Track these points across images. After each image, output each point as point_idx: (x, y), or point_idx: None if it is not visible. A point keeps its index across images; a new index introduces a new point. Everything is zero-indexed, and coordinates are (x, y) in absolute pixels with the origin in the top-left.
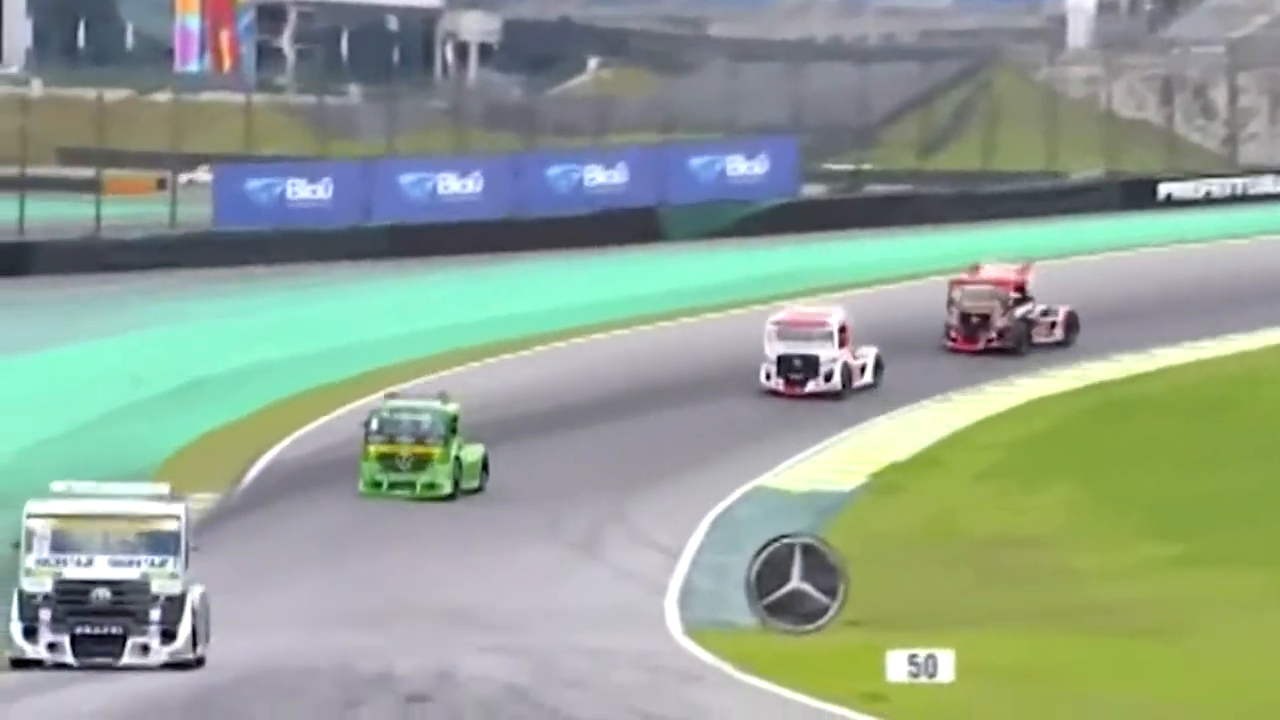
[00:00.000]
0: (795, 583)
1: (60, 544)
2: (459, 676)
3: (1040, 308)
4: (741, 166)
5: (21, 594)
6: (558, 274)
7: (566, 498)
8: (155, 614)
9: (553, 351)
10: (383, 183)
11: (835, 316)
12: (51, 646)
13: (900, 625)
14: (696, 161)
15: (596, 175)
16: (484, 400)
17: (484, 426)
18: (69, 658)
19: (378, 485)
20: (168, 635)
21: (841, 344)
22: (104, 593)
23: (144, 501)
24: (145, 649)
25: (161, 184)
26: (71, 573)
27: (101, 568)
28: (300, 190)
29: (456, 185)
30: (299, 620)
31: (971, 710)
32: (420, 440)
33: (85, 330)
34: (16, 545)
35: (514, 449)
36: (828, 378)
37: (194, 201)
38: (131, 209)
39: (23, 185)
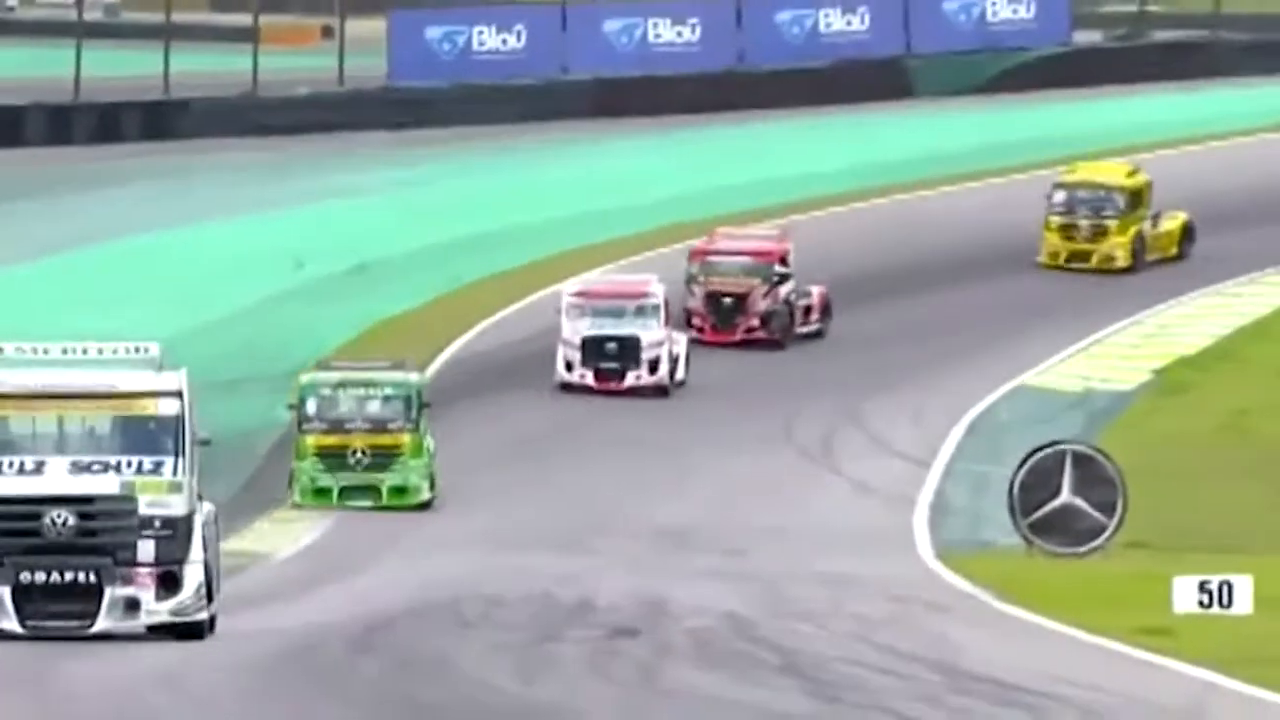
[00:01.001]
0: (1065, 497)
1: None
2: (671, 606)
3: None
4: (1004, 10)
5: None
6: (788, 136)
7: (799, 397)
8: (146, 548)
9: (785, 228)
10: (583, 30)
11: (659, 290)
12: None
13: (1189, 547)
14: (950, 5)
15: (834, 21)
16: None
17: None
18: (9, 622)
19: (322, 492)
20: (167, 582)
21: (667, 321)
22: (63, 516)
23: (122, 370)
24: (131, 605)
25: (327, 32)
26: (9, 486)
27: (57, 477)
28: (488, 40)
29: (670, 33)
30: (486, 541)
31: (1272, 647)
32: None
33: (240, 203)
34: None
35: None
36: (652, 367)
37: (365, 53)
38: (293, 61)
39: (169, 34)
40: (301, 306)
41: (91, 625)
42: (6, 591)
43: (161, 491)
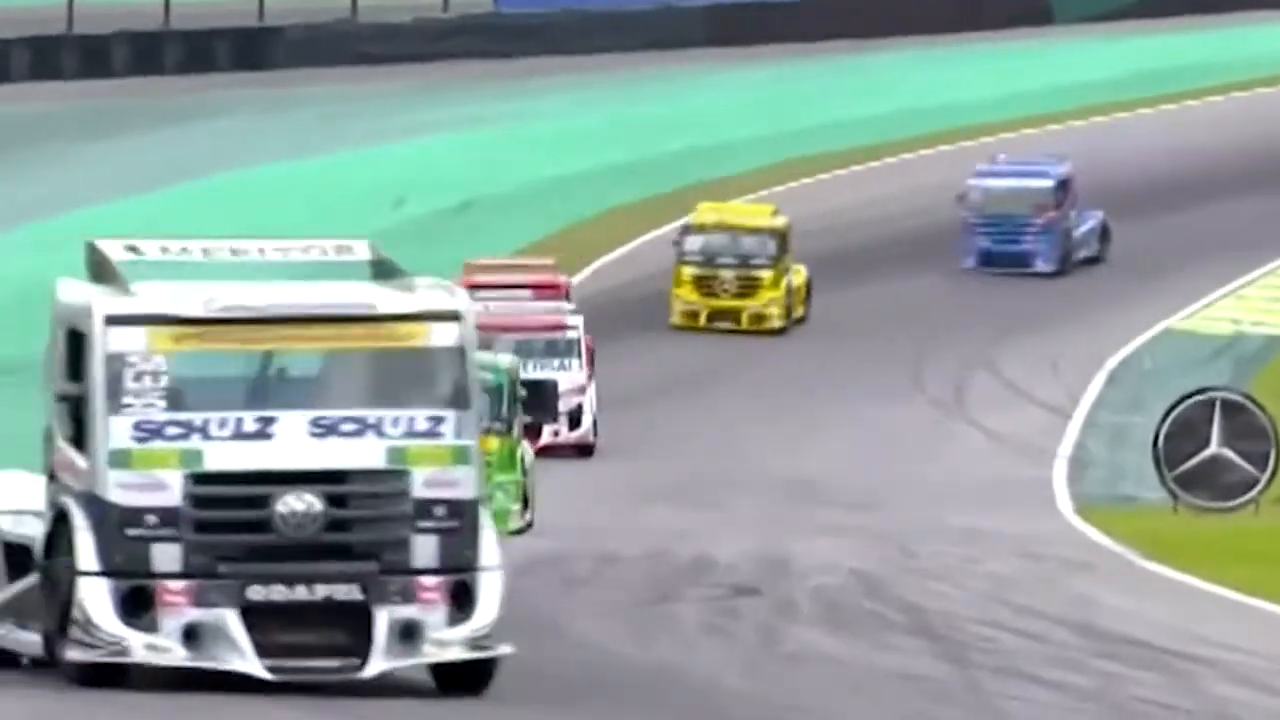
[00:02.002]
0: (1214, 448)
1: (185, 392)
2: (794, 564)
3: None
4: None
5: (104, 510)
6: (919, 66)
7: (929, 341)
8: (426, 547)
9: (915, 163)
10: None
11: (577, 322)
12: (189, 635)
13: None
14: None
15: None
16: (823, 222)
17: (820, 253)
18: (245, 661)
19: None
20: (460, 598)
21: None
22: (305, 502)
23: (379, 288)
24: (409, 632)
25: None
26: (223, 457)
27: (293, 443)
28: None
29: None
30: (600, 494)
31: None
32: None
33: (337, 138)
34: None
35: (863, 279)
36: (574, 422)
37: None
38: None
39: None
40: (402, 247)
41: (362, 667)
42: (233, 616)
43: (444, 462)
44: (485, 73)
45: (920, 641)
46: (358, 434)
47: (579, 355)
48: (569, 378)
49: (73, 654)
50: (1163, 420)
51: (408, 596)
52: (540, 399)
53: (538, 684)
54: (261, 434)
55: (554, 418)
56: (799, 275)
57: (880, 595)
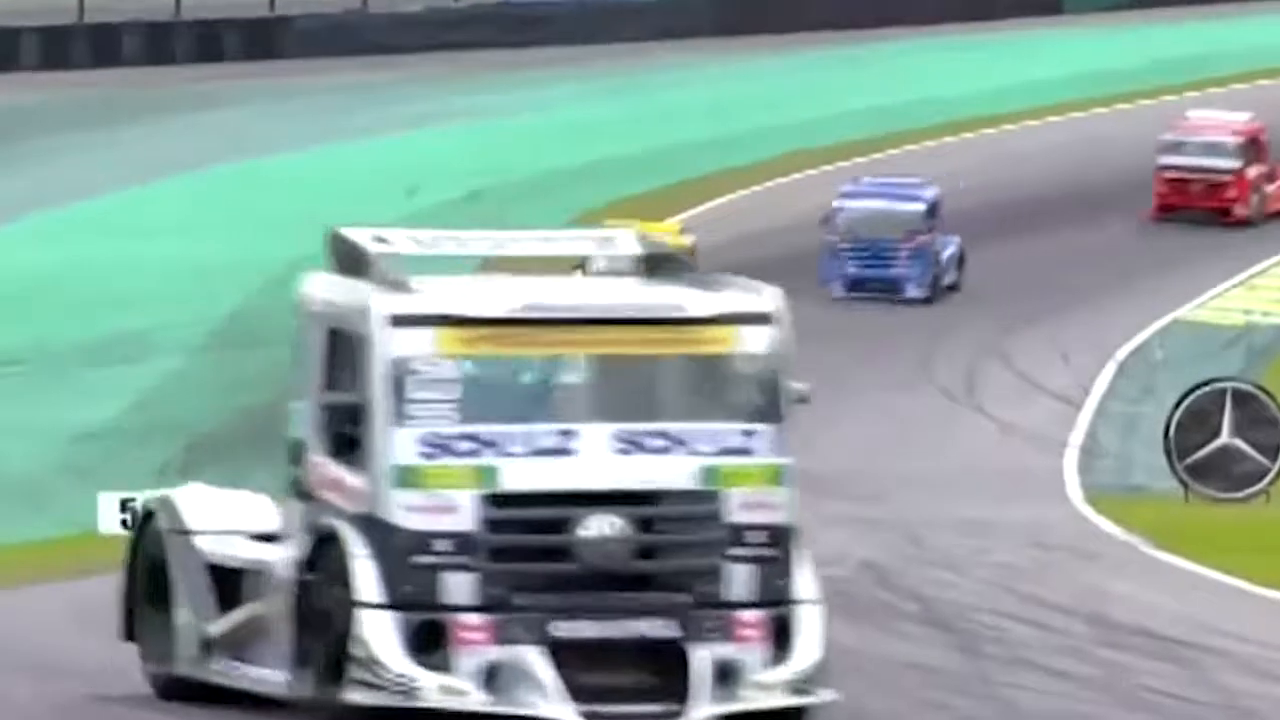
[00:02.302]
0: (1225, 438)
1: (476, 402)
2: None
3: None
4: None
5: (387, 535)
6: (929, 56)
7: (939, 332)
8: (741, 579)
9: (919, 154)
10: None
11: None
12: (490, 676)
13: None
14: None
15: None
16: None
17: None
18: (558, 707)
19: None
20: (780, 636)
21: None
22: (615, 528)
23: (685, 288)
24: (727, 674)
25: None
26: (521, 475)
27: (596, 460)
28: None
29: None
30: None
31: None
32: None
33: (347, 128)
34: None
35: None
36: None
37: None
38: None
39: None
40: None
41: (680, 713)
42: (537, 654)
43: (759, 482)
44: (495, 63)
45: (930, 631)
46: (666, 450)
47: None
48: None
49: (355, 695)
50: (1174, 410)
51: (726, 634)
52: None
53: None
54: (562, 450)
55: None
56: None
57: (890, 585)
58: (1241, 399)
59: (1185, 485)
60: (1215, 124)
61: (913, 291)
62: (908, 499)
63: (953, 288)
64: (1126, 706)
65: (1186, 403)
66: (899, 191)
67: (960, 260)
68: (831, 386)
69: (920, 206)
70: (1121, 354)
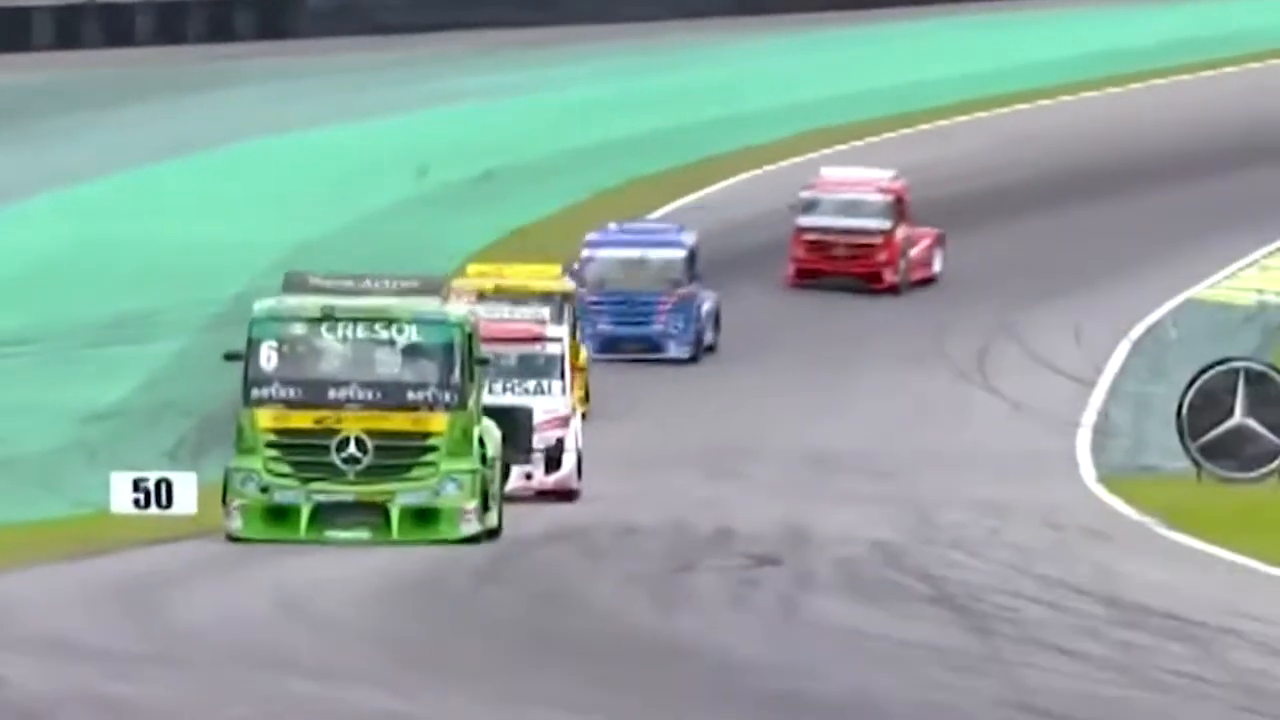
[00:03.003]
0: (1238, 418)
1: None
2: (815, 534)
3: None
4: None
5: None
6: (943, 36)
7: (953, 308)
8: None
9: (932, 133)
10: None
11: (560, 334)
12: None
13: None
14: None
15: None
16: None
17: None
18: None
19: (278, 516)
20: None
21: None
22: None
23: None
24: None
25: None
26: None
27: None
28: None
29: None
30: (621, 464)
31: None
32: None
33: (359, 107)
34: None
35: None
36: (551, 463)
37: None
38: None
39: None
40: (425, 217)
41: None
42: None
43: None
44: (509, 41)
45: (942, 612)
46: None
47: (561, 376)
48: (547, 404)
49: None
50: (1186, 390)
51: None
52: (509, 430)
53: (558, 653)
54: None
55: (526, 455)
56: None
57: (901, 565)
58: (1254, 379)
59: (1198, 465)
60: (858, 181)
61: (675, 351)
62: (919, 478)
63: (711, 349)
64: (1140, 686)
65: (1199, 382)
66: (655, 238)
67: (717, 318)
68: (844, 365)
69: (679, 254)
70: (1135, 333)
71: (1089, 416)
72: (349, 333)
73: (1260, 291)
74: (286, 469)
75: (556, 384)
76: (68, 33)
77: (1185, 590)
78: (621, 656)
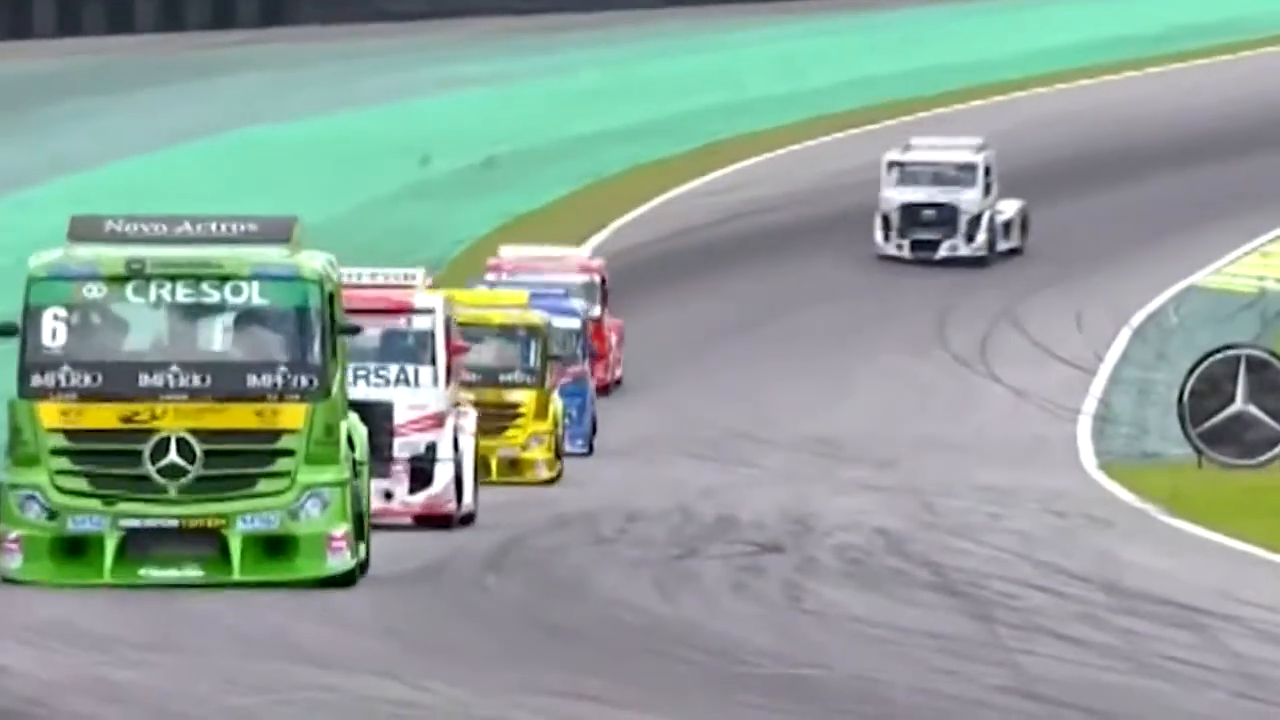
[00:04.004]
0: (1239, 405)
1: None
2: (818, 521)
3: None
4: None
5: None
6: (941, 23)
7: (953, 296)
8: None
9: (929, 120)
10: None
11: (433, 304)
12: None
13: None
14: None
15: None
16: (851, 178)
17: (846, 209)
18: None
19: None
20: None
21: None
22: None
23: None
24: None
25: None
26: None
27: None
28: None
29: None
30: (625, 451)
31: None
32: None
33: (360, 94)
34: None
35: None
36: (419, 477)
37: None
38: None
39: None
40: (427, 203)
41: None
42: None
43: None
44: (508, 29)
45: (943, 598)
46: None
47: (433, 361)
48: (413, 397)
49: None
50: (1187, 377)
51: None
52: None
53: (563, 638)
54: None
55: (384, 465)
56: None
57: (904, 552)
58: (1255, 365)
59: (1199, 452)
60: (553, 261)
61: (566, 445)
62: (922, 465)
63: (584, 455)
64: (1140, 673)
65: (1200, 369)
66: (543, 303)
67: (592, 427)
68: (847, 351)
69: (574, 323)
70: (1136, 320)
71: (1090, 404)
72: (165, 294)
73: (1261, 278)
74: (83, 485)
75: (427, 371)
76: (70, 20)
77: (1186, 577)
78: (625, 643)
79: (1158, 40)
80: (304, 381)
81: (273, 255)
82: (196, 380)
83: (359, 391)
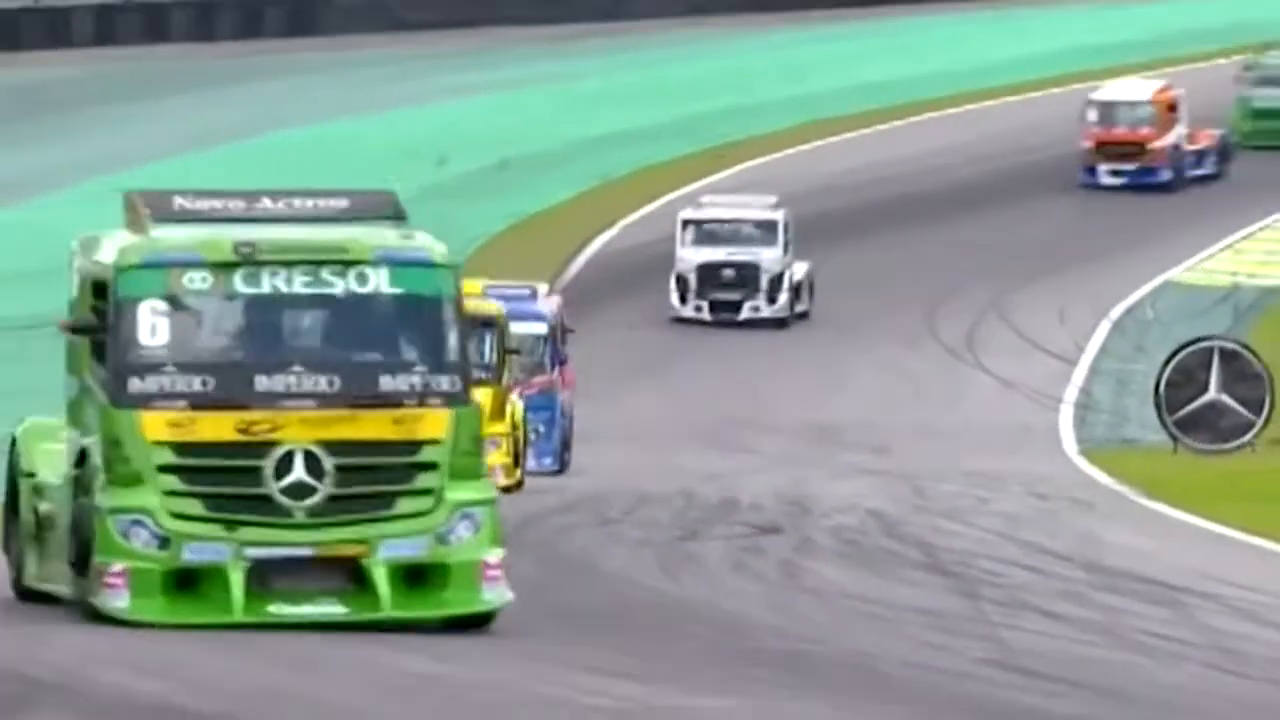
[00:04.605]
0: (1212, 394)
1: None
2: (815, 504)
3: None
4: None
5: None
6: (944, 29)
7: (943, 292)
8: None
9: (925, 125)
10: None
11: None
12: None
13: None
14: None
15: None
16: (850, 179)
17: (837, 211)
18: None
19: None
20: None
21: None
22: None
23: None
24: None
25: None
26: None
27: None
28: None
29: None
30: (628, 437)
31: None
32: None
33: (381, 100)
34: None
35: (879, 234)
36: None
37: None
38: None
39: None
40: (444, 203)
41: None
42: None
43: None
44: (524, 38)
45: (933, 577)
46: None
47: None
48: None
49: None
50: (1164, 367)
51: None
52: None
53: (569, 615)
54: None
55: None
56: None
57: (896, 533)
58: (1228, 356)
59: (1174, 438)
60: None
61: (533, 463)
62: (913, 452)
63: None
64: (1120, 647)
65: (1176, 360)
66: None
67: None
68: (844, 343)
69: (541, 328)
70: (1115, 314)
71: (1072, 393)
72: (280, 283)
73: (1233, 274)
74: (199, 508)
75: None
76: (107, 29)
77: (1163, 556)
78: (633, 619)
79: (1129, 49)
80: (445, 383)
81: (393, 237)
82: (323, 384)
83: None
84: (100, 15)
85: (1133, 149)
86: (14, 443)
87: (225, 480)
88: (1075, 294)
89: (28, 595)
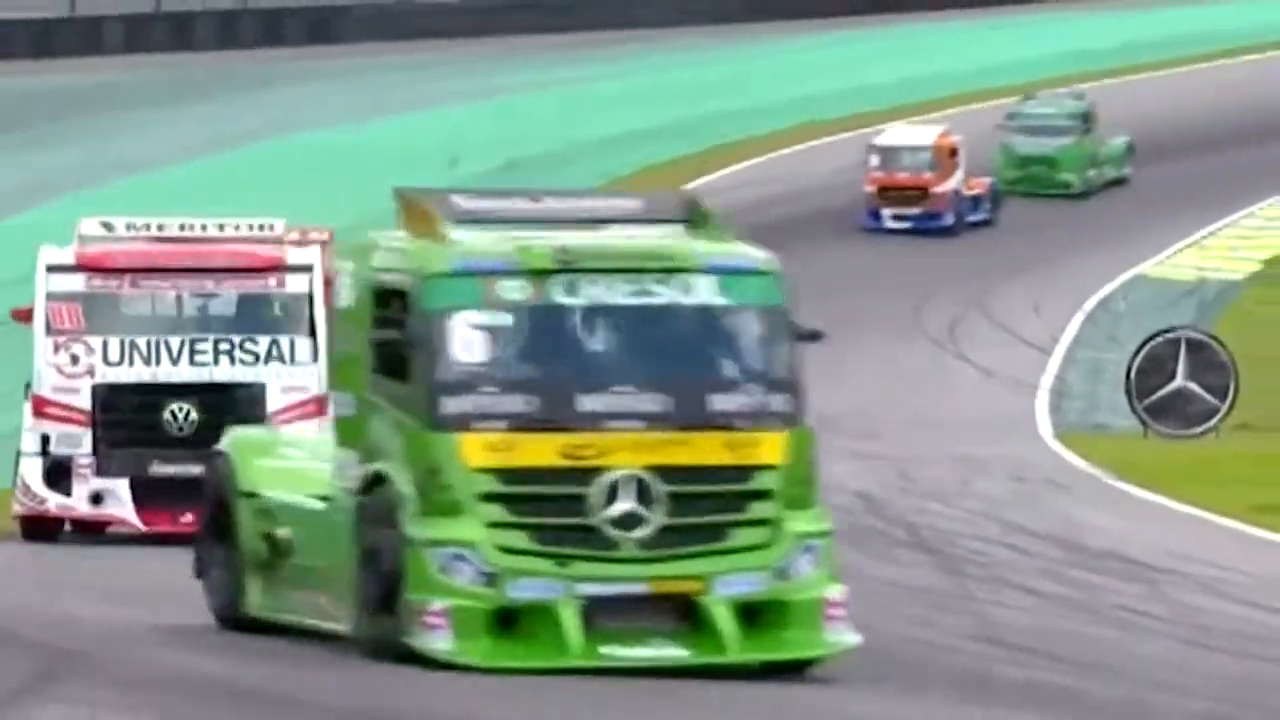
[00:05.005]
0: (1180, 381)
1: None
2: None
3: None
4: None
5: None
6: (937, 36)
7: (927, 287)
8: None
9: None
10: None
11: (309, 260)
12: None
13: None
14: None
15: None
16: (844, 177)
17: (839, 207)
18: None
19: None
20: None
21: None
22: None
23: None
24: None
25: None
26: None
27: None
28: None
29: None
30: None
31: None
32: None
33: (397, 103)
34: None
35: (865, 235)
36: None
37: None
38: None
39: None
40: None
41: None
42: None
43: None
44: (533, 46)
45: (919, 555)
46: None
47: (312, 332)
48: (290, 376)
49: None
50: (1134, 356)
51: None
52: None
53: None
54: None
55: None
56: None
57: (882, 514)
58: (1194, 346)
59: (1144, 424)
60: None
61: None
62: (900, 437)
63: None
64: (1095, 622)
65: (1145, 349)
66: None
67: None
68: (836, 335)
69: None
70: (1088, 306)
71: (1048, 381)
72: (601, 293)
73: (1200, 269)
74: (525, 541)
75: (304, 345)
76: (137, 38)
77: (1135, 536)
78: None
79: (1138, 51)
80: (780, 403)
81: (714, 243)
82: (651, 404)
83: (221, 372)
84: (130, 25)
85: (915, 194)
86: (223, 458)
87: (551, 510)
88: (1051, 288)
89: (241, 624)
